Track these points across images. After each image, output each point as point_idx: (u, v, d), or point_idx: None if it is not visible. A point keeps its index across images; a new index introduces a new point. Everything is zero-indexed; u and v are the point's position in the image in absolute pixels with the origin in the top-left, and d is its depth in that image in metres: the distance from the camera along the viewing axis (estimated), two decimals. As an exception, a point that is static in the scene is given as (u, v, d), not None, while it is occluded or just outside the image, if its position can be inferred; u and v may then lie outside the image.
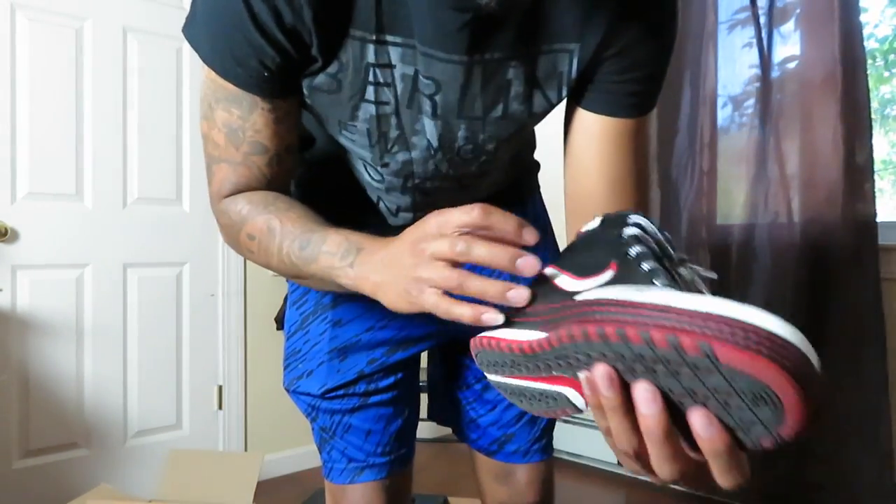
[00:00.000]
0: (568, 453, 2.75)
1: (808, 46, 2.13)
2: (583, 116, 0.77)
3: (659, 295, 0.43)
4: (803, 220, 2.14)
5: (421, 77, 0.69)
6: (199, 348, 2.50)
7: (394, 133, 0.74)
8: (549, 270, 0.56)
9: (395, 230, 0.83)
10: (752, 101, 2.27)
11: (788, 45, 2.19)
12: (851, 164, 2.03)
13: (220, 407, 2.55)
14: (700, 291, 0.51)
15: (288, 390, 0.93)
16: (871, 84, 2.02)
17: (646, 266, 0.50)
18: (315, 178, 0.89)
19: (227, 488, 1.92)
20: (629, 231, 0.54)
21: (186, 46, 2.45)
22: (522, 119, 0.76)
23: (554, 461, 1.02)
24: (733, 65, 2.31)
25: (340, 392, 0.87)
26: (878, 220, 2.00)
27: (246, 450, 2.59)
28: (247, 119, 0.71)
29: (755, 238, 2.25)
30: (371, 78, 0.69)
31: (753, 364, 0.37)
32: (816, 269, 2.11)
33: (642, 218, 0.55)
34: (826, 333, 2.09)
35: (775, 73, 2.21)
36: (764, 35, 2.22)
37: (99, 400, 2.26)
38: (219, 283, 2.54)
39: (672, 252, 0.53)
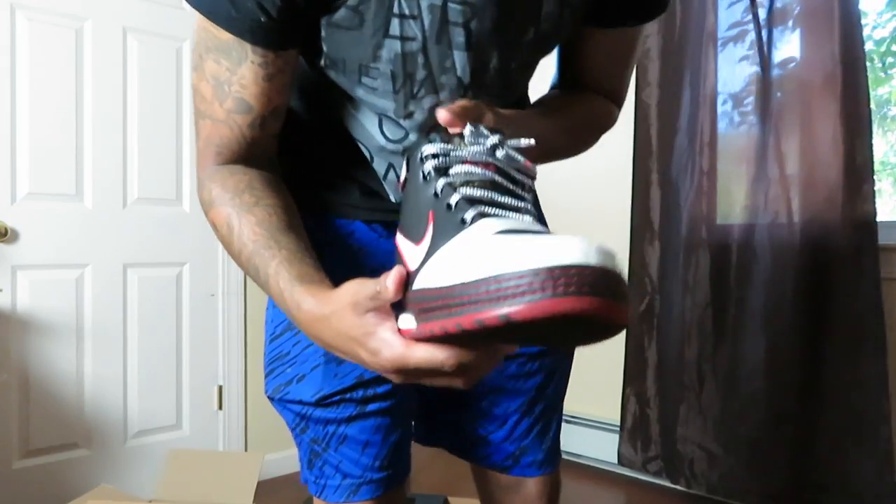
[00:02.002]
0: (568, 453, 2.75)
1: (808, 47, 2.13)
2: (592, 33, 0.80)
3: (463, 258, 0.46)
4: (803, 220, 2.14)
5: (451, 5, 0.66)
6: (199, 348, 2.50)
7: (421, 74, 0.70)
8: (398, 238, 0.58)
9: (390, 203, 0.81)
10: (751, 101, 2.27)
11: (788, 46, 2.19)
12: (851, 164, 2.03)
13: (220, 407, 2.55)
14: (517, 176, 0.54)
15: (272, 399, 0.83)
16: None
17: (453, 201, 0.52)
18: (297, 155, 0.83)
19: (227, 488, 1.92)
20: (428, 167, 0.55)
21: (186, 47, 2.45)
22: (551, 41, 0.74)
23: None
24: (733, 65, 2.31)
25: (336, 398, 0.79)
26: (878, 220, 2.00)
27: (246, 450, 2.59)
28: (234, 72, 0.67)
29: (755, 238, 2.25)
30: (396, 9, 0.65)
31: (553, 309, 0.39)
32: (816, 269, 2.11)
33: (432, 144, 0.55)
34: (826, 333, 2.09)
35: (775, 74, 2.21)
36: (764, 35, 2.23)
37: (99, 400, 2.26)
38: (219, 283, 2.54)
39: (478, 147, 0.55)
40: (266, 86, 0.68)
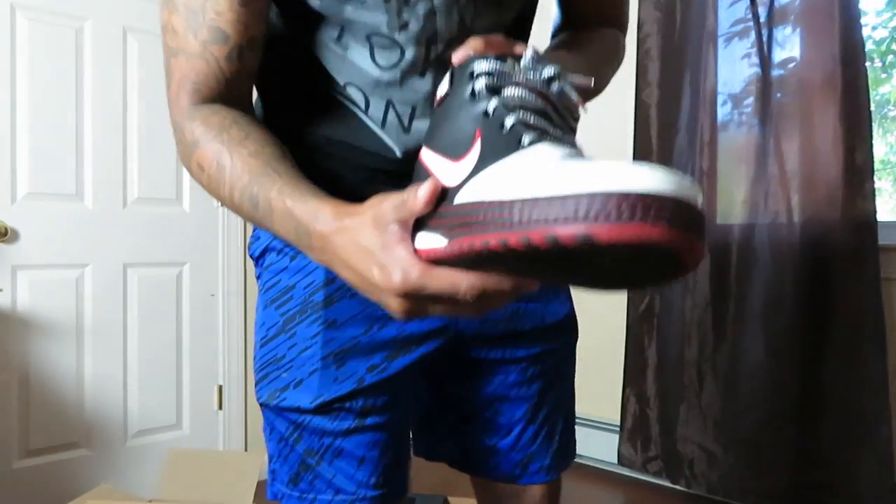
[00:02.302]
0: (568, 453, 2.75)
1: (808, 47, 2.13)
2: None
3: (525, 175, 0.43)
4: (803, 220, 2.14)
5: None
6: (199, 348, 2.50)
7: None
8: (425, 154, 0.55)
9: (393, 163, 0.73)
10: (751, 101, 2.27)
11: (788, 46, 2.19)
12: (851, 164, 2.03)
13: (220, 407, 2.55)
14: (571, 118, 0.52)
15: (266, 405, 0.77)
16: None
17: (507, 122, 0.49)
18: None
19: (227, 488, 1.92)
20: (479, 84, 0.52)
21: (186, 46, 2.46)
22: None
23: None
24: (733, 65, 2.31)
25: (336, 406, 0.74)
26: (878, 219, 2.00)
27: (246, 450, 2.59)
28: None
29: (755, 238, 2.25)
30: None
31: (636, 234, 0.37)
32: (816, 268, 2.11)
33: (486, 61, 0.52)
34: (826, 333, 2.09)
35: (775, 73, 2.21)
36: (764, 35, 2.23)
37: (99, 400, 2.26)
38: (219, 283, 2.54)
39: (534, 75, 0.52)
40: (242, 11, 0.65)
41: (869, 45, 2.22)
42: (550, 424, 0.87)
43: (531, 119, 0.50)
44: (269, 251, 0.78)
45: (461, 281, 0.48)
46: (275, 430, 0.77)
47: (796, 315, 2.13)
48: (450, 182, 0.51)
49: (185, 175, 2.46)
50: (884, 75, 2.33)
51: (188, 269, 2.48)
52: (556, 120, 0.52)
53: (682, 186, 0.39)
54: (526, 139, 0.48)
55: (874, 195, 2.00)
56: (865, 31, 2.08)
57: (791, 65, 2.18)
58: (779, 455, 2.17)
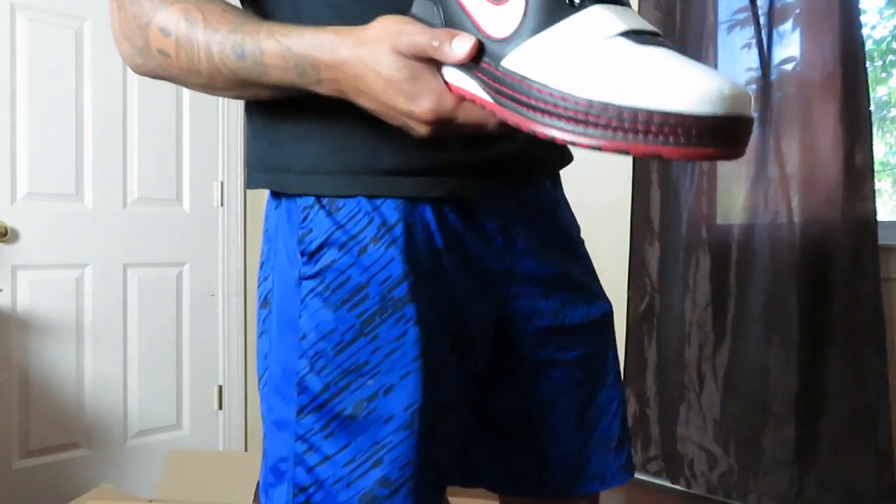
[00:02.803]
0: (568, 453, 2.74)
1: (808, 47, 2.13)
2: None
3: (583, 60, 0.44)
4: (803, 220, 2.14)
5: None
6: (199, 348, 2.50)
7: None
8: None
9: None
10: (751, 102, 2.27)
11: (788, 46, 2.19)
12: (851, 165, 2.03)
13: (220, 407, 2.55)
14: None
15: (353, 418, 0.65)
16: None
17: None
18: None
19: (227, 488, 1.92)
20: None
21: (186, 46, 2.45)
22: None
23: None
24: (733, 65, 2.30)
25: (433, 416, 0.66)
26: (878, 219, 2.00)
27: (246, 450, 2.59)
28: None
29: (755, 238, 2.25)
30: None
31: (699, 153, 0.43)
32: (816, 269, 2.11)
33: None
34: (826, 333, 2.09)
35: (775, 74, 2.21)
36: (763, 35, 2.23)
37: (99, 400, 2.26)
38: (219, 283, 2.54)
39: None
40: None
41: (869, 45, 2.22)
42: (601, 431, 0.81)
43: None
44: (329, 246, 0.67)
45: (491, 118, 0.49)
46: (348, 448, 0.66)
47: (796, 315, 2.13)
48: (490, 29, 0.48)
49: (185, 175, 2.46)
50: (883, 75, 2.33)
51: (188, 269, 2.48)
52: None
53: (734, 102, 0.42)
54: None
55: (874, 196, 2.00)
56: (865, 31, 2.08)
57: (791, 65, 2.18)
58: (779, 455, 2.17)
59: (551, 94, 0.44)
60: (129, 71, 2.33)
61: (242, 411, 2.59)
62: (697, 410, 2.36)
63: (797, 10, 2.15)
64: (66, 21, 2.19)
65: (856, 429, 2.02)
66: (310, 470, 0.66)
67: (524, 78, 0.46)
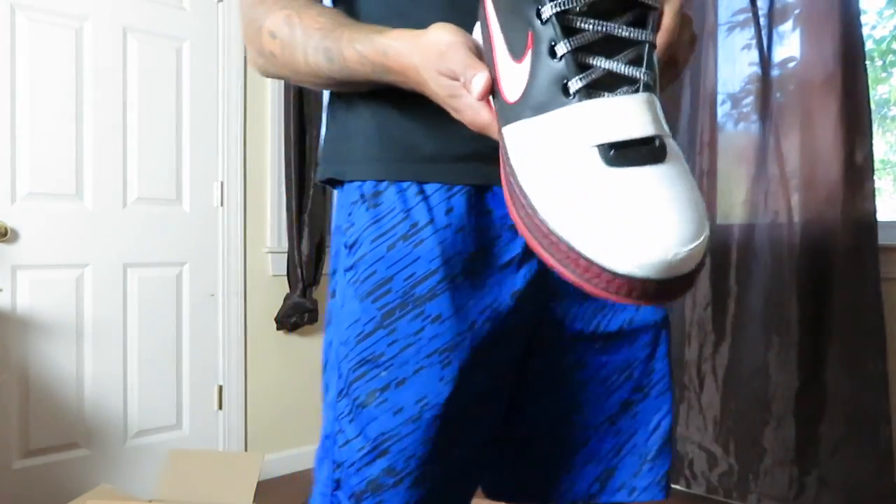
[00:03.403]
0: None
1: (808, 46, 2.13)
2: None
3: (552, 183, 0.44)
4: (803, 220, 2.14)
5: None
6: (199, 348, 2.50)
7: None
8: (494, 30, 0.50)
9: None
10: (751, 101, 2.27)
11: (788, 45, 2.19)
12: (851, 164, 2.03)
13: (220, 407, 2.55)
14: (636, 71, 0.45)
15: (363, 406, 0.70)
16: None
17: (558, 50, 0.44)
18: None
19: (227, 488, 1.92)
20: None
21: (186, 46, 2.46)
22: None
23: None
24: (733, 65, 2.31)
25: (441, 413, 0.69)
26: (878, 219, 2.00)
27: (246, 450, 2.59)
28: None
29: (755, 238, 2.25)
30: None
31: (650, 302, 0.42)
32: (816, 269, 2.11)
33: None
34: (826, 333, 2.09)
35: (775, 73, 2.21)
36: (764, 35, 2.23)
37: (99, 400, 2.26)
38: (219, 283, 2.54)
39: None
40: None
41: (869, 45, 2.22)
42: (637, 442, 0.79)
43: (587, 54, 0.44)
44: (364, 240, 0.72)
45: None
46: (361, 435, 0.70)
47: (796, 315, 2.13)
48: (505, 86, 0.49)
49: (185, 175, 2.46)
50: (883, 74, 2.33)
51: (188, 269, 2.48)
52: (625, 35, 0.45)
53: (680, 265, 0.40)
54: (573, 87, 0.44)
55: (874, 195, 2.00)
56: (865, 31, 2.08)
57: (791, 64, 2.18)
58: (779, 455, 2.17)
59: (525, 206, 0.45)
60: (130, 71, 2.34)
61: (242, 411, 2.59)
62: (697, 410, 2.36)
63: (797, 10, 2.15)
64: (66, 21, 2.19)
65: (856, 429, 2.02)
66: (339, 450, 0.72)
67: (513, 171, 0.47)
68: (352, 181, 0.73)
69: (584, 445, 0.78)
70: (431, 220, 0.70)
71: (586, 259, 0.41)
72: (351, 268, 0.73)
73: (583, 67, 0.44)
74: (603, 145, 0.42)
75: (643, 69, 0.45)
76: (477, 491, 0.80)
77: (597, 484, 0.78)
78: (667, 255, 0.39)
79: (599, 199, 0.41)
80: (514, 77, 0.47)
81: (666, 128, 0.45)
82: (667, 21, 0.58)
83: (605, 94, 0.44)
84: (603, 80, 0.44)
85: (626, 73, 0.44)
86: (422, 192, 0.71)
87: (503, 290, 0.72)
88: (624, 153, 0.42)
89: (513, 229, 0.71)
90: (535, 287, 0.73)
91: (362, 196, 0.72)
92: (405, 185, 0.71)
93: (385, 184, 0.71)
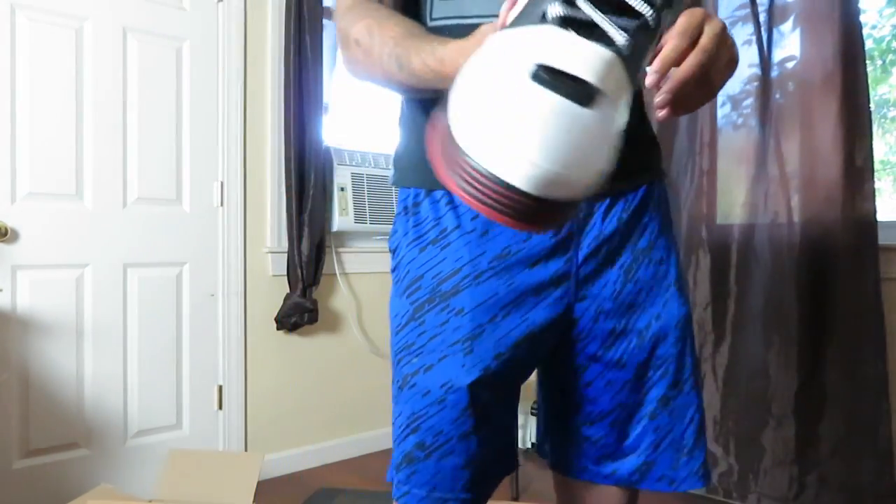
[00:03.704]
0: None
1: (808, 46, 2.13)
2: None
3: (491, 85, 0.44)
4: (803, 220, 2.14)
5: None
6: (199, 348, 2.50)
7: None
8: None
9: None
10: (751, 101, 2.27)
11: (788, 45, 2.19)
12: (851, 164, 2.03)
13: (220, 407, 2.55)
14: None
15: (401, 389, 0.80)
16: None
17: None
18: None
19: (227, 488, 1.92)
20: None
21: (186, 46, 2.46)
22: None
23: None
24: (733, 65, 2.31)
25: (464, 397, 0.77)
26: (878, 219, 2.00)
27: (246, 450, 2.59)
28: None
29: (755, 238, 2.25)
30: None
31: (479, 210, 0.44)
32: (816, 269, 2.11)
33: None
34: (826, 333, 2.09)
35: (775, 73, 2.21)
36: (764, 34, 2.23)
37: (99, 400, 2.26)
38: (219, 283, 2.54)
39: None
40: None
41: (869, 44, 2.22)
42: (675, 436, 0.85)
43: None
44: (403, 245, 0.84)
45: None
46: (401, 415, 0.80)
47: (796, 315, 2.13)
48: (510, 18, 0.52)
49: (186, 175, 2.46)
50: (883, 74, 2.33)
51: (188, 269, 2.48)
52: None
53: (556, 182, 0.42)
54: (550, 13, 0.46)
55: (874, 195, 2.00)
56: (865, 31, 2.08)
57: (791, 63, 2.18)
58: (779, 455, 2.17)
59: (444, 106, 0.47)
60: (130, 71, 2.34)
61: (242, 411, 2.59)
62: (697, 410, 2.36)
63: (797, 10, 2.15)
64: (66, 21, 2.19)
65: (856, 429, 2.02)
66: (393, 429, 0.82)
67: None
68: (401, 187, 0.86)
69: (626, 439, 0.84)
70: (458, 226, 0.80)
71: (464, 153, 0.42)
72: (394, 269, 0.86)
73: (569, 4, 0.46)
74: (540, 65, 0.43)
75: (626, 36, 0.46)
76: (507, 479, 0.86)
77: (637, 474, 0.84)
78: (536, 171, 0.41)
79: (505, 103, 0.42)
80: (515, 12, 0.51)
81: (615, 94, 0.45)
82: (704, 41, 0.59)
83: (575, 34, 0.45)
84: (584, 24, 0.45)
85: (607, 29, 0.45)
86: (451, 202, 0.80)
87: (525, 286, 0.79)
88: (553, 78, 0.42)
89: (551, 238, 0.79)
90: (559, 286, 0.80)
91: (405, 209, 0.85)
92: (438, 195, 0.81)
93: (423, 194, 0.82)
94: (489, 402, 0.78)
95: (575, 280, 0.80)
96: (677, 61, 0.56)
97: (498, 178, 0.41)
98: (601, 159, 0.44)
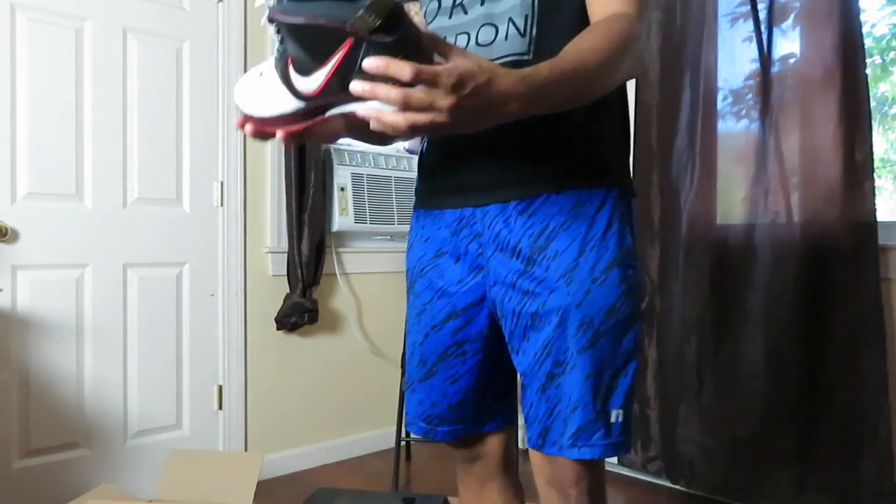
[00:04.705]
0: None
1: (808, 44, 2.13)
2: None
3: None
4: (803, 220, 2.14)
5: None
6: (199, 348, 2.50)
7: None
8: None
9: None
10: (751, 101, 2.27)
11: (788, 43, 2.19)
12: (851, 163, 2.03)
13: (220, 407, 2.55)
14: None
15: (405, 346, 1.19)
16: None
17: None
18: None
19: (227, 488, 1.92)
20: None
21: (186, 46, 2.46)
22: None
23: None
24: (733, 65, 2.30)
25: (421, 350, 1.12)
26: (878, 219, 2.00)
27: (246, 450, 2.59)
28: None
29: (755, 238, 2.24)
30: None
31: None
32: (816, 269, 2.10)
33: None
34: (826, 333, 2.08)
35: (775, 72, 2.21)
36: (764, 32, 2.22)
37: (99, 400, 2.27)
38: (219, 283, 2.54)
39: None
40: None
41: (868, 42, 2.22)
42: (560, 407, 0.96)
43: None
44: (410, 246, 1.15)
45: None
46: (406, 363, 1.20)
47: (796, 315, 2.13)
48: None
49: (185, 175, 2.46)
50: (883, 73, 2.33)
51: (188, 269, 2.48)
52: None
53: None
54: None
55: (874, 194, 2.00)
56: (865, 28, 2.07)
57: (791, 61, 2.18)
58: (779, 455, 2.16)
59: None
60: (130, 71, 2.34)
61: (242, 411, 2.59)
62: (697, 410, 2.36)
63: (797, 7, 2.15)
64: (66, 21, 2.19)
65: (856, 429, 2.02)
66: None
67: None
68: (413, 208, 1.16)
69: (531, 407, 0.99)
70: (430, 231, 1.09)
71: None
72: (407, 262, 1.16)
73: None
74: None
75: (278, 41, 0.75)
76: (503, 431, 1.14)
77: (539, 440, 0.98)
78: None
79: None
80: None
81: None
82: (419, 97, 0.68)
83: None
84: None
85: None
86: (417, 218, 1.13)
87: (456, 275, 1.05)
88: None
89: (473, 237, 1.03)
90: (477, 275, 1.03)
91: (417, 218, 1.14)
92: (422, 210, 1.11)
93: (420, 209, 1.13)
94: (433, 358, 1.07)
95: (490, 273, 1.01)
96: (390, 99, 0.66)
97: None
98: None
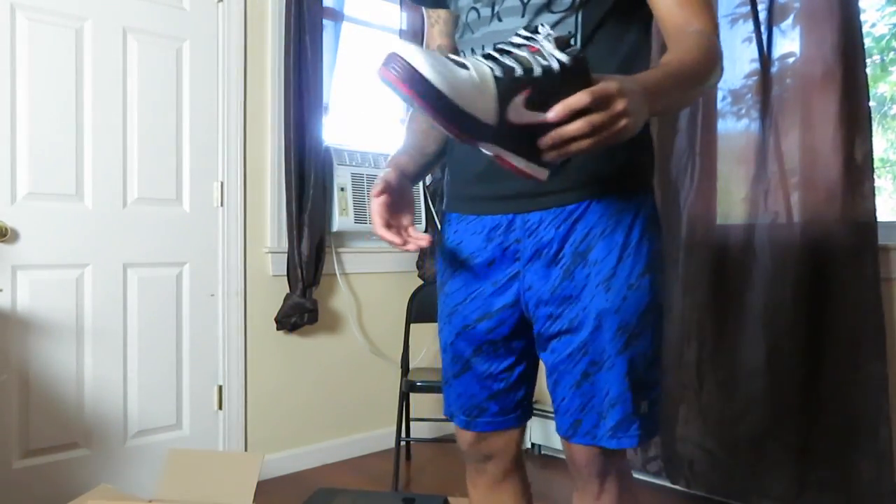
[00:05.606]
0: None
1: (807, 43, 2.13)
2: None
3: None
4: (803, 220, 2.14)
5: None
6: (199, 348, 2.50)
7: None
8: None
9: None
10: (751, 101, 2.27)
11: (788, 43, 2.19)
12: (851, 163, 2.03)
13: (220, 407, 2.55)
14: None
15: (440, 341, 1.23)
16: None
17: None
18: None
19: (227, 488, 1.92)
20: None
21: (186, 46, 2.46)
22: None
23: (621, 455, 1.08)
24: (733, 64, 2.30)
25: (453, 348, 1.18)
26: (878, 220, 2.00)
27: (246, 450, 2.59)
28: None
29: (755, 238, 2.24)
30: None
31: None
32: (816, 269, 2.10)
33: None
34: (826, 333, 2.08)
35: (775, 71, 2.21)
36: (763, 32, 2.22)
37: (99, 400, 2.27)
38: (219, 283, 2.55)
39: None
40: None
41: (868, 43, 2.22)
42: (594, 402, 1.02)
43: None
44: (442, 246, 1.18)
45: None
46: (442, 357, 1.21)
47: (796, 315, 2.13)
48: None
49: (185, 175, 2.46)
50: (882, 73, 2.33)
51: (188, 269, 2.48)
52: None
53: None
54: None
55: (874, 194, 2.00)
56: (865, 28, 2.07)
57: (790, 60, 2.18)
58: (779, 455, 2.16)
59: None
60: (130, 71, 2.34)
61: (242, 411, 2.59)
62: (697, 410, 2.36)
63: (797, 7, 2.15)
64: (66, 21, 2.19)
65: (856, 429, 2.02)
66: None
67: None
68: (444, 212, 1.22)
69: (563, 400, 1.05)
70: (463, 235, 1.13)
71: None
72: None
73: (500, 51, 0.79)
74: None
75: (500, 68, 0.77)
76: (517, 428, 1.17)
77: (570, 430, 1.04)
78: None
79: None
80: None
81: (479, 76, 0.74)
82: (597, 119, 0.72)
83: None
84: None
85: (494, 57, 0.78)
86: (463, 218, 1.14)
87: (490, 279, 1.09)
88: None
89: (511, 243, 1.08)
90: (512, 279, 1.07)
91: (449, 222, 1.18)
92: (455, 215, 1.15)
93: (453, 214, 1.17)
94: (467, 354, 1.13)
95: (526, 278, 1.05)
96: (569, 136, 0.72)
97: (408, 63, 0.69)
98: (465, 99, 0.71)
